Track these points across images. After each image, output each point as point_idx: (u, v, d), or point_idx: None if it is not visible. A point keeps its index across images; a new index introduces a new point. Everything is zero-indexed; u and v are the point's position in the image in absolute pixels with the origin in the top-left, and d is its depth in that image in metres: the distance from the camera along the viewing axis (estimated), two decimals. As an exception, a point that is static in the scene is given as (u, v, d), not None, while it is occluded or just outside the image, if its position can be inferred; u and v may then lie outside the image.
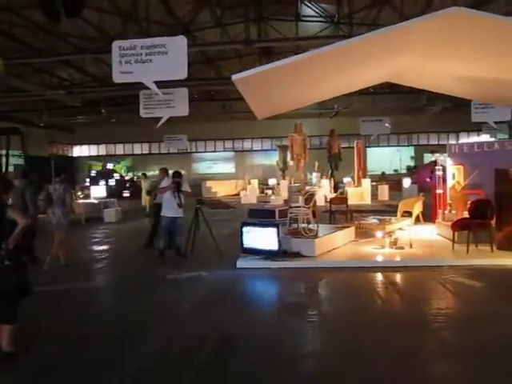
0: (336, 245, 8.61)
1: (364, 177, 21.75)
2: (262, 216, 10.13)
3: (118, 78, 9.08)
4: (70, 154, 32.67)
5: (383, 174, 27.95)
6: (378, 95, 25.88)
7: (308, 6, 18.14)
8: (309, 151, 21.64)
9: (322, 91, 10.72)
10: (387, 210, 16.72)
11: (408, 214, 11.53)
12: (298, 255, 7.86)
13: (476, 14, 6.90)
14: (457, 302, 5.70)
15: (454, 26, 7.18)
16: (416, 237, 9.72)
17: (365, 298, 5.86)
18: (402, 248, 8.30)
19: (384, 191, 21.82)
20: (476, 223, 7.80)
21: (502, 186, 7.94)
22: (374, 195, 21.68)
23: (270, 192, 23.76)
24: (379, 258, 7.84)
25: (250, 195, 22.77)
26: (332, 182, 22.86)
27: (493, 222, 8.03)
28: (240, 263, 7.68)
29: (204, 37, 18.56)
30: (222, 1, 17.12)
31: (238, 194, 26.00)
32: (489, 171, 9.55)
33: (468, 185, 10.01)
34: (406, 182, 22.91)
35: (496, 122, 18.70)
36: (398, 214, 11.61)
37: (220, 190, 28.70)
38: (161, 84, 15.52)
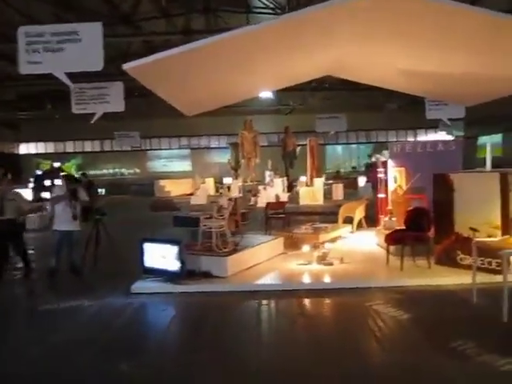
0: (258, 260, 7.39)
1: (318, 176, 20.69)
2: (186, 224, 8.95)
3: (25, 68, 7.91)
4: (15, 152, 30.56)
5: (338, 172, 27.09)
6: (333, 91, 24.91)
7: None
8: (262, 149, 20.48)
9: (250, 84, 9.49)
10: (337, 212, 15.70)
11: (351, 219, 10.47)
12: (207, 276, 6.63)
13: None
14: (368, 349, 4.45)
15: (390, 7, 6.08)
16: (352, 248, 8.65)
17: (258, 339, 4.68)
18: (330, 264, 7.16)
19: (338, 190, 20.80)
20: (411, 236, 6.72)
21: (441, 193, 6.88)
22: (330, 195, 20.64)
23: (227, 190, 22.46)
24: (300, 279, 6.67)
25: (201, 195, 21.40)
26: (286, 180, 21.75)
27: (431, 233, 7.00)
28: (136, 287, 6.38)
29: (150, 28, 17.17)
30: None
31: (193, 194, 24.59)
32: (432, 174, 8.58)
33: (410, 189, 8.99)
34: (362, 181, 21.99)
35: (452, 120, 17.98)
36: (340, 219, 10.52)
37: (174, 189, 27.22)
38: (95, 78, 13.93)
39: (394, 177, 9.32)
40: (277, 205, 10.98)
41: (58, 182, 24.32)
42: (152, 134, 29.60)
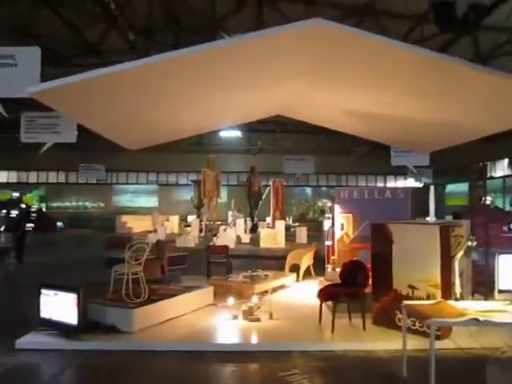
0: (177, 313, 6.51)
1: (282, 218, 20.02)
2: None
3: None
4: (-26, 181, 29.27)
5: (302, 214, 26.49)
6: (304, 134, 24.69)
7: (225, 37, 16.76)
8: (229, 188, 19.80)
9: (192, 120, 8.87)
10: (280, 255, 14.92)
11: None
12: (111, 330, 5.73)
13: (341, 29, 5.32)
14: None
15: (322, 41, 5.57)
16: (290, 300, 7.85)
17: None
18: (257, 320, 6.33)
19: (302, 233, 20.05)
20: (344, 292, 5.98)
21: (380, 244, 6.21)
22: (293, 237, 19.91)
23: (188, 229, 21.49)
24: (212, 338, 5.80)
25: (160, 233, 20.44)
26: (247, 222, 21.03)
27: (368, 290, 6.27)
28: (22, 342, 5.43)
29: (119, 59, 16.70)
30: (135, 25, 15.41)
31: (155, 231, 23.56)
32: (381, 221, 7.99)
33: (357, 237, 8.35)
34: (327, 224, 21.37)
35: (419, 167, 17.77)
36: (286, 267, 9.75)
37: (136, 225, 26.10)
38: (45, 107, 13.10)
39: (341, 224, 8.69)
40: (218, 248, 10.16)
41: (14, 212, 22.91)
42: (119, 168, 28.75)
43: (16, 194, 27.44)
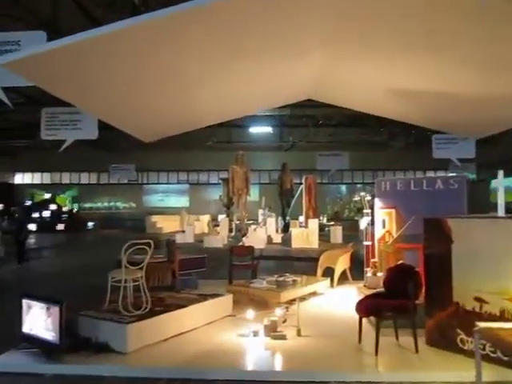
0: (185, 327, 5.37)
1: (315, 216, 18.69)
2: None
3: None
4: (10, 181, 29.30)
5: (336, 213, 25.00)
6: (338, 128, 23.26)
7: None
8: (260, 186, 18.58)
9: (205, 108, 7.74)
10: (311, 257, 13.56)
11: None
12: (102, 349, 4.66)
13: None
14: None
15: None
16: (324, 311, 6.59)
17: None
18: (282, 337, 5.12)
19: (337, 233, 18.70)
20: (389, 305, 4.68)
21: (435, 245, 4.88)
22: (327, 237, 18.57)
23: (217, 229, 20.44)
24: (229, 363, 4.58)
25: (188, 233, 19.53)
26: (279, 221, 19.83)
27: (420, 302, 4.95)
28: (-5, 364, 4.44)
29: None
30: None
31: (184, 231, 22.67)
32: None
33: (402, 236, 7.01)
34: (363, 223, 19.88)
35: (462, 161, 16.21)
36: (319, 270, 8.50)
37: (167, 225, 25.40)
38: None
39: (383, 220, 7.36)
40: (242, 249, 9.00)
41: (46, 213, 22.44)
42: (149, 168, 28.14)
43: (47, 196, 27.29)
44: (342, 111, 21.60)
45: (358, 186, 29.45)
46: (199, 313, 5.64)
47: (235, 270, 8.35)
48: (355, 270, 8.75)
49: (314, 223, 17.23)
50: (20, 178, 29.79)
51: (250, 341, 5.09)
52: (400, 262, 5.44)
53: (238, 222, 20.53)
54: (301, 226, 17.93)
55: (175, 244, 6.37)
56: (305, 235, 16.70)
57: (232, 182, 17.87)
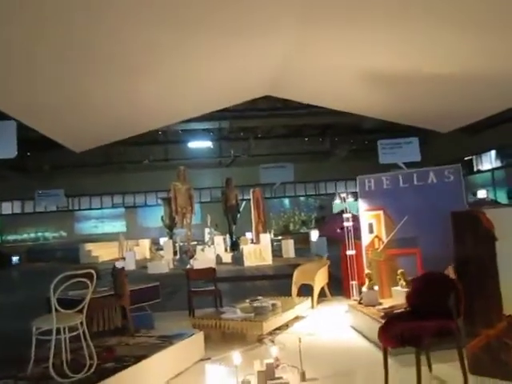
0: (149, 385, 3.86)
1: (264, 231, 17.48)
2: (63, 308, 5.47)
3: None
4: None
5: (286, 226, 24.03)
6: (278, 139, 22.45)
7: None
8: (202, 205, 17.00)
9: (145, 105, 6.31)
10: (280, 274, 12.35)
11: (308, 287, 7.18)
12: None
13: None
14: None
15: None
16: (317, 339, 5.28)
17: None
18: (284, 386, 3.75)
19: (289, 247, 17.59)
20: (431, 329, 3.46)
21: (471, 245, 3.79)
22: (279, 253, 17.39)
23: (160, 253, 18.55)
24: None
25: (129, 260, 17.52)
26: (227, 239, 18.41)
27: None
28: None
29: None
30: None
31: (124, 258, 20.49)
32: (426, 217, 5.63)
33: (394, 241, 5.94)
34: (314, 235, 19.02)
35: (408, 165, 15.87)
36: (293, 289, 7.21)
37: (103, 253, 23.04)
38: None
39: (369, 224, 6.24)
40: (201, 272, 7.50)
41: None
42: (81, 192, 25.63)
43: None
44: (282, 122, 20.89)
45: (301, 199, 28.76)
46: (165, 363, 4.11)
47: (195, 297, 6.85)
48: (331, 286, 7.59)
49: (265, 238, 15.99)
50: None
51: (241, 395, 3.67)
52: (428, 271, 4.26)
53: (183, 244, 18.86)
54: (252, 243, 16.63)
55: (124, 272, 4.80)
56: (257, 252, 15.42)
57: (174, 200, 16.24)
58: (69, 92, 5.37)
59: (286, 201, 28.45)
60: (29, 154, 21.16)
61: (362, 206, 6.30)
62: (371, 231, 6.16)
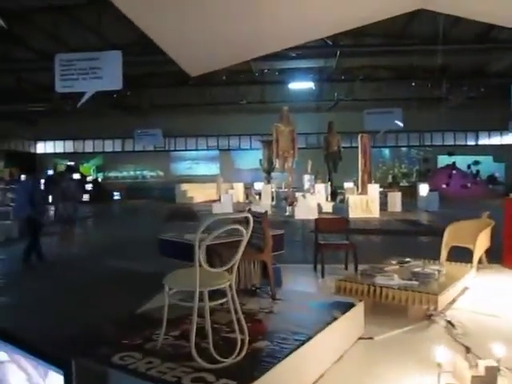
0: (313, 376, 2.75)
1: (370, 181, 15.84)
2: (179, 254, 4.86)
3: None
4: (32, 151, 26.97)
5: (394, 178, 21.99)
6: (386, 81, 20.07)
7: None
8: (299, 151, 15.60)
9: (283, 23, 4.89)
10: (410, 231, 10.82)
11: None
12: None
13: None
14: None
15: None
16: (502, 319, 3.88)
17: None
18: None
19: (395, 200, 15.90)
20: None
21: None
22: (382, 205, 15.75)
23: (256, 197, 17.72)
24: None
25: (225, 202, 16.93)
26: (329, 187, 17.05)
27: None
28: None
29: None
30: None
31: (219, 200, 20.05)
32: None
33: None
34: (423, 189, 17.01)
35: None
36: (443, 251, 5.75)
37: (198, 194, 22.90)
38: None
39: None
40: (333, 223, 6.27)
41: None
42: (177, 133, 25.40)
43: (70, 164, 24.89)
44: (391, 61, 18.48)
45: (403, 149, 26.28)
46: (327, 344, 2.97)
47: (324, 251, 5.67)
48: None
49: (374, 189, 14.41)
50: (42, 147, 27.45)
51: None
52: None
53: (280, 189, 17.87)
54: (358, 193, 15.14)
55: (267, 218, 3.66)
56: (364, 203, 13.94)
57: (276, 142, 15.04)
58: (190, 9, 4.18)
59: (386, 151, 26.16)
60: (129, 93, 20.92)
61: None
62: None
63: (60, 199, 10.53)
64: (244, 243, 2.42)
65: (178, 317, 2.99)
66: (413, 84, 19.74)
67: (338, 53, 15.22)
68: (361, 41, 16.45)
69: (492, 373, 2.56)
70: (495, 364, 2.59)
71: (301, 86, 19.67)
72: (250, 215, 2.41)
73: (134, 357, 2.46)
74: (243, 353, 2.43)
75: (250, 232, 2.43)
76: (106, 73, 10.24)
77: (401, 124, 17.92)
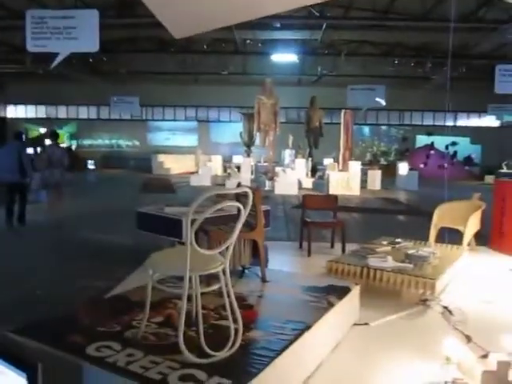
0: (312, 366, 2.51)
1: (350, 158, 15.68)
2: (159, 229, 4.49)
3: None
4: (2, 115, 25.64)
5: (374, 155, 21.91)
6: (371, 57, 19.73)
7: None
8: (280, 125, 15.18)
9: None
10: (391, 210, 10.72)
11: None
12: None
13: None
14: None
15: None
16: (495, 305, 3.73)
17: None
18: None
19: (375, 178, 15.80)
20: None
21: None
22: (362, 183, 15.63)
23: (235, 171, 17.28)
24: None
25: (204, 175, 16.53)
26: (310, 162, 16.81)
27: None
28: None
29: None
30: None
31: (196, 172, 19.53)
32: None
33: None
34: (403, 168, 16.96)
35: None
36: (432, 232, 5.57)
37: (175, 166, 22.37)
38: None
39: None
40: (322, 201, 6.00)
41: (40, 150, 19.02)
42: (155, 102, 24.54)
43: (43, 130, 23.85)
44: (378, 36, 18.09)
45: (383, 128, 26.17)
46: (324, 331, 2.72)
47: (311, 229, 5.42)
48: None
49: (355, 166, 14.26)
50: (13, 111, 26.15)
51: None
52: None
53: (259, 164, 17.53)
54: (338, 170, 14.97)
55: (260, 194, 3.34)
56: (345, 180, 13.77)
57: (258, 115, 14.60)
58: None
59: (366, 129, 26.01)
60: (105, 58, 19.93)
61: None
62: None
63: (46, 166, 9.89)
64: (242, 220, 2.09)
65: (160, 300, 2.68)
66: (396, 62, 19.46)
67: (325, 25, 14.75)
68: (348, 13, 16.00)
69: (505, 368, 2.35)
70: (507, 358, 2.39)
71: (284, 58, 19.11)
72: (249, 190, 2.08)
73: (113, 347, 2.14)
74: (237, 345, 2.14)
75: (248, 209, 2.11)
76: (82, 33, 9.51)
77: (383, 102, 17.65)
